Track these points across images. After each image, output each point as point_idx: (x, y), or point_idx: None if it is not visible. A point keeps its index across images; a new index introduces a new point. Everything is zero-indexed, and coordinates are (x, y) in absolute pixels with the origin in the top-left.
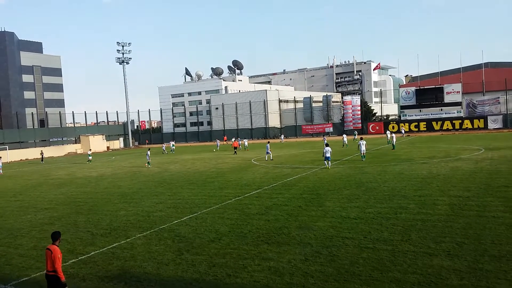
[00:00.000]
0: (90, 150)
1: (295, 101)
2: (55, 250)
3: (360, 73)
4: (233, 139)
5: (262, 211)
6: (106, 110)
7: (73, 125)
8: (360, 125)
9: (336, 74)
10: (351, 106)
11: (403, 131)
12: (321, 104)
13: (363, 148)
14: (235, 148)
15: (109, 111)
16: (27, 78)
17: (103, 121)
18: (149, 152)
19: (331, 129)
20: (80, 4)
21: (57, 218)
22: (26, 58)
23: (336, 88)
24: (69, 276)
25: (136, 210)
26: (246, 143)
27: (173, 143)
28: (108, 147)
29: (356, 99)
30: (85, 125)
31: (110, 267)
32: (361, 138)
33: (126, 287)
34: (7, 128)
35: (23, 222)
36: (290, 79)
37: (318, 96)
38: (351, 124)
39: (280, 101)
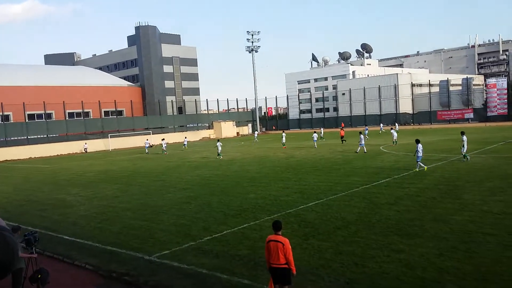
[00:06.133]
0: (220, 137)
1: (430, 85)
2: (286, 242)
3: (506, 53)
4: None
5: (391, 201)
6: (236, 98)
7: (207, 112)
8: (506, 110)
9: (478, 54)
10: (495, 89)
11: None
12: (460, 88)
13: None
14: (342, 137)
15: (238, 98)
16: (167, 68)
17: (233, 108)
18: (219, 144)
19: (471, 115)
20: None
21: (193, 198)
22: (167, 50)
23: (478, 70)
24: (204, 252)
25: (264, 193)
26: (322, 132)
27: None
28: (238, 133)
29: (502, 82)
30: (217, 112)
31: (241, 246)
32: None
33: (256, 267)
34: (151, 114)
35: (164, 200)
36: (425, 61)
37: (456, 79)
38: (496, 110)
39: (412, 85)
